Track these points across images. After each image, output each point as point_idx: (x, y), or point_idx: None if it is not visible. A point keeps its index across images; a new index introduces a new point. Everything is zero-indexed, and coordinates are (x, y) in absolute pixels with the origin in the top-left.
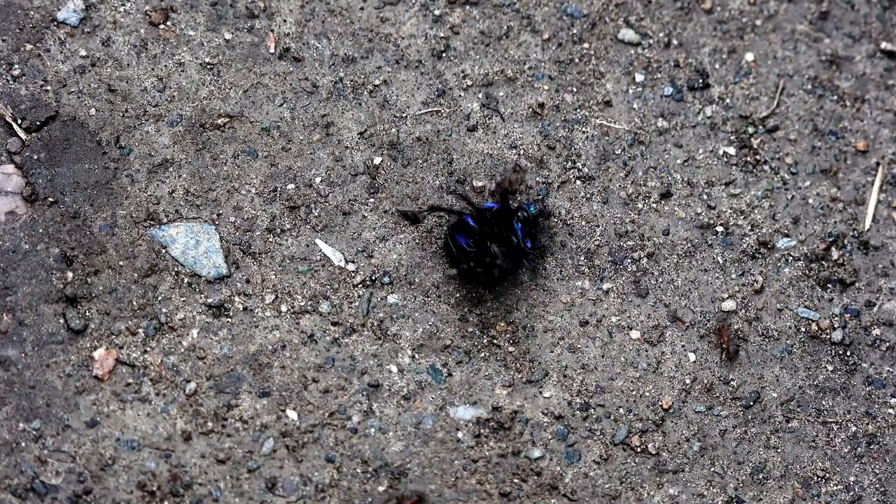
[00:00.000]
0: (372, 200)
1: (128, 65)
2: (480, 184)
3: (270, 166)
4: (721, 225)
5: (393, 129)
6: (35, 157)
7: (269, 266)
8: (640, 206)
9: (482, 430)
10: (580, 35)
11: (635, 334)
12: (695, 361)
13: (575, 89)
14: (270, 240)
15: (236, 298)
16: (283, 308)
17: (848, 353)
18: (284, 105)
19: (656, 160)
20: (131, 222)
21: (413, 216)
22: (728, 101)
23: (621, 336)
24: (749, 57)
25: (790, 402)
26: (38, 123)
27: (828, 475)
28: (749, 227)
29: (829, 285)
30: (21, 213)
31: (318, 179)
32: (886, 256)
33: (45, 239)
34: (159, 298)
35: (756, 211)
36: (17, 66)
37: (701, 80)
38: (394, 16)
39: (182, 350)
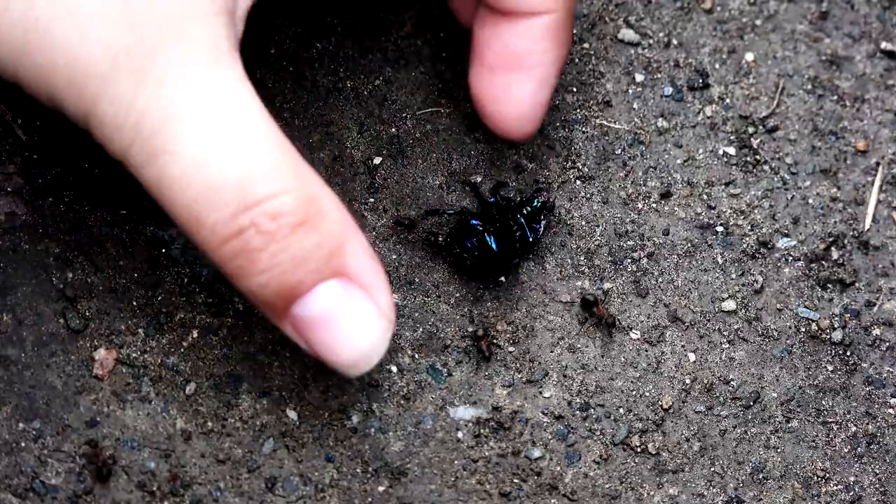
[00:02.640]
0: (372, 200)
1: None
2: (478, 178)
3: None
4: (721, 225)
5: (393, 129)
6: (35, 157)
7: None
8: (640, 206)
9: (482, 430)
10: (580, 35)
11: (635, 334)
12: (695, 361)
13: (575, 89)
14: None
15: (236, 298)
16: None
17: (848, 353)
18: (285, 104)
19: (656, 160)
20: (131, 222)
21: (409, 222)
22: (728, 101)
23: (621, 336)
24: (749, 57)
25: (790, 402)
26: (38, 123)
27: (828, 475)
28: (749, 227)
29: (829, 285)
30: (21, 213)
31: None
32: (886, 256)
33: (45, 239)
34: (159, 298)
35: (756, 211)
36: None
37: (701, 80)
38: (394, 15)
39: (182, 350)
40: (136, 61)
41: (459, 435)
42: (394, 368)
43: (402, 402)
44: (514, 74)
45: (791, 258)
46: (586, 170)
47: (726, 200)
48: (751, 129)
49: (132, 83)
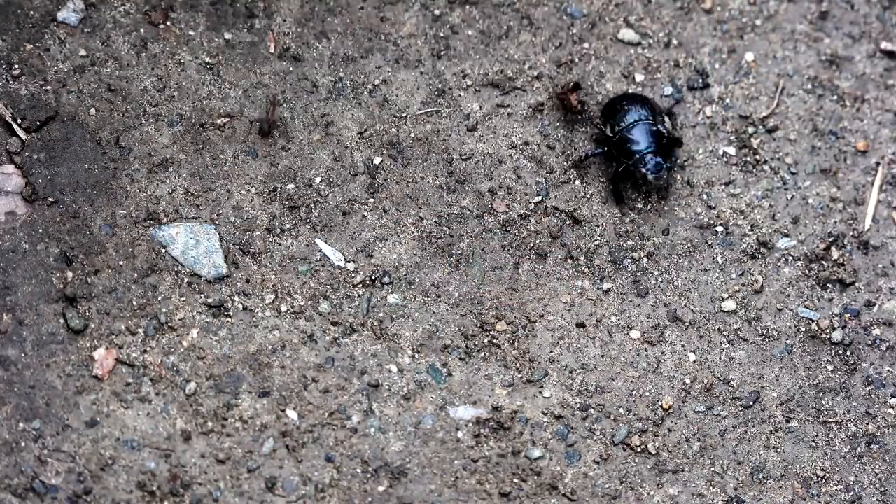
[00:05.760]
0: (372, 200)
1: (127, 64)
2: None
3: (270, 166)
4: (721, 225)
5: (393, 129)
6: (35, 157)
7: (268, 266)
8: (639, 206)
9: (482, 430)
10: (580, 35)
11: (635, 334)
12: (695, 361)
13: None
14: (270, 240)
15: (236, 298)
16: (283, 308)
17: (848, 353)
18: (284, 105)
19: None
20: (131, 222)
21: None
22: (728, 101)
23: (621, 336)
24: (749, 57)
25: (790, 402)
26: (38, 123)
27: (828, 475)
28: (749, 227)
29: (829, 285)
30: (21, 213)
31: (317, 179)
32: (886, 256)
33: (45, 239)
34: (159, 298)
35: (756, 211)
36: (17, 66)
37: (701, 80)
38: (394, 15)
39: (182, 350)
40: None
41: (459, 435)
42: (394, 368)
43: (402, 402)
44: None
45: (791, 258)
46: (586, 170)
47: (726, 200)
48: (751, 129)
49: None
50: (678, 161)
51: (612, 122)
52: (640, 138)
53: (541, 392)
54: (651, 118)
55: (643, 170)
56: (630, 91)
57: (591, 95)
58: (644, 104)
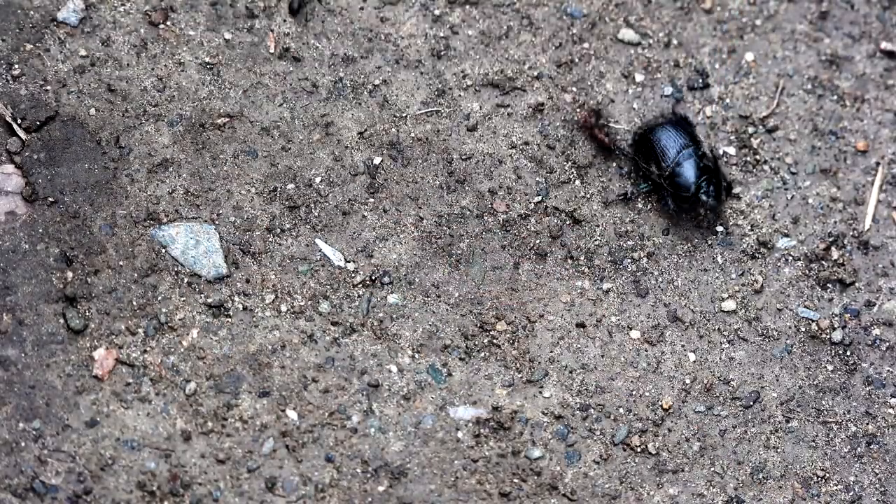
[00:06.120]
0: (372, 200)
1: (128, 64)
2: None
3: (270, 166)
4: (721, 225)
5: (393, 129)
6: (35, 157)
7: (268, 266)
8: (639, 205)
9: (482, 430)
10: (580, 35)
11: (635, 334)
12: (695, 361)
13: (575, 89)
14: (270, 239)
15: (236, 298)
16: (283, 308)
17: (848, 353)
18: (284, 105)
19: None
20: (131, 222)
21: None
22: (728, 101)
23: (621, 336)
24: (749, 57)
25: (790, 402)
26: (38, 123)
27: (828, 475)
28: (749, 227)
29: (829, 285)
30: (21, 213)
31: (317, 179)
32: (886, 256)
33: (45, 239)
34: (159, 298)
35: (756, 211)
36: (16, 66)
37: (701, 80)
38: (394, 16)
39: (182, 350)
40: None
41: (459, 435)
42: (394, 368)
43: (402, 402)
44: None
45: (791, 258)
46: (587, 170)
47: (726, 200)
48: (751, 129)
49: None
50: (732, 180)
51: (654, 161)
52: (692, 173)
53: (541, 392)
54: (689, 142)
55: (705, 198)
56: (652, 120)
57: (591, 96)
58: (675, 130)
